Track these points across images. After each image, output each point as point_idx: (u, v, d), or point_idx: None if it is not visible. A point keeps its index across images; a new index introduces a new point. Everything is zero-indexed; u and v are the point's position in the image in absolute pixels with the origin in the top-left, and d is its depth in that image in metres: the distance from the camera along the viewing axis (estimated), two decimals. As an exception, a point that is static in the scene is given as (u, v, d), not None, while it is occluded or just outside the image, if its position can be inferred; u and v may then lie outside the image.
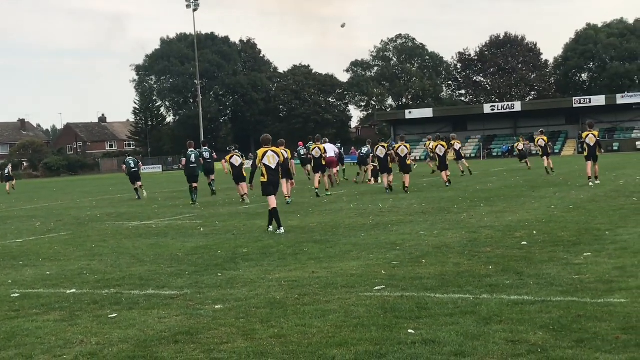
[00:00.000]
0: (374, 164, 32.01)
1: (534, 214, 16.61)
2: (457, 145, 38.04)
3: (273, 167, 16.03)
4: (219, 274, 10.73)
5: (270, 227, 16.17)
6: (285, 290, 9.29)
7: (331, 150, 32.42)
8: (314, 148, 28.43)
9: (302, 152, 38.70)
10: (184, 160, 27.88)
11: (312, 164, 29.48)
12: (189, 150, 27.90)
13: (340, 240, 13.87)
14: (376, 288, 9.08)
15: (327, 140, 35.49)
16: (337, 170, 35.15)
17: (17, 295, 9.98)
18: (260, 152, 16.16)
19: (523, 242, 12.14)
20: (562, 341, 6.45)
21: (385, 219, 17.27)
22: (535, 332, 6.76)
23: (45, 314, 8.73)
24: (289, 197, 23.99)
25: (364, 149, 35.48)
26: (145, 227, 18.76)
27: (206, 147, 30.36)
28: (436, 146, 31.24)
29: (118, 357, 6.68)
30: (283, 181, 21.68)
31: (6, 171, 51.76)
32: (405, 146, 27.98)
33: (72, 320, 8.28)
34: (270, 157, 16.05)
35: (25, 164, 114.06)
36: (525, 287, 8.69)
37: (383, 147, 28.78)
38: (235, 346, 6.84)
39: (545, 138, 35.72)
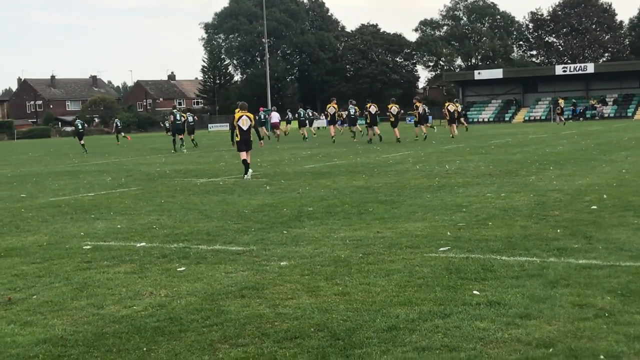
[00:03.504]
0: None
1: (604, 177, 16.29)
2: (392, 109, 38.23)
3: (245, 128, 19.79)
4: (284, 232, 10.84)
5: (246, 175, 19.70)
6: (350, 249, 9.33)
7: (276, 117, 47.66)
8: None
9: (262, 115, 52.56)
10: (171, 117, 39.31)
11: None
12: (174, 110, 40.56)
13: (405, 200, 13.84)
14: (441, 249, 9.05)
15: (276, 108, 51.63)
16: (279, 131, 47.90)
17: (89, 247, 10.26)
18: (236, 115, 19.87)
19: (593, 206, 11.93)
20: (630, 306, 6.35)
21: (452, 180, 17.14)
22: (603, 296, 6.67)
23: (116, 266, 8.96)
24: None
25: (351, 110, 41.53)
26: (212, 184, 19.02)
27: (176, 110, 40.48)
28: (391, 107, 37.61)
29: (186, 310, 6.84)
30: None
31: (190, 119, 49.82)
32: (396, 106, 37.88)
33: (141, 273, 8.48)
34: (245, 121, 19.80)
35: (96, 119, 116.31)
36: (593, 251, 8.56)
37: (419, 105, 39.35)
38: (300, 302, 6.93)
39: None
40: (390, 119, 37.57)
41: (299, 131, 47.59)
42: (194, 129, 42.31)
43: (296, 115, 49.08)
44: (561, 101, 60.33)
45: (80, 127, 44.57)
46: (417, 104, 39.23)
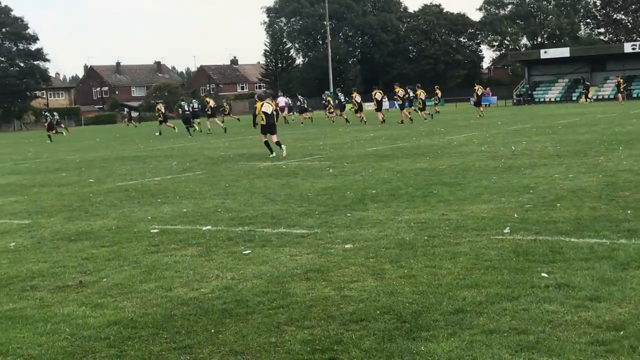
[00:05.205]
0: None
1: (676, 157, 15.85)
2: (423, 95, 43.59)
3: (269, 112, 22.21)
4: (348, 214, 10.83)
5: (272, 154, 21.99)
6: (415, 231, 9.28)
7: (282, 101, 52.32)
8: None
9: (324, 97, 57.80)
10: (180, 110, 45.64)
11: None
12: (182, 102, 47.21)
13: (470, 182, 13.69)
14: (505, 230, 8.93)
15: (282, 93, 59.13)
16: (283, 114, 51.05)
17: (156, 231, 10.42)
18: (259, 104, 22.54)
19: (664, 187, 11.62)
20: None
21: (518, 161, 16.90)
22: (677, 279, 6.50)
23: (182, 249, 9.08)
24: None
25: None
26: (275, 167, 19.12)
27: (184, 102, 46.20)
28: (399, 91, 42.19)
29: (252, 292, 6.89)
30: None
31: (195, 106, 49.04)
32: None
33: (208, 256, 8.58)
34: (267, 107, 22.33)
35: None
36: (666, 233, 8.34)
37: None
38: (365, 285, 6.92)
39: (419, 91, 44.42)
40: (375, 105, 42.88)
41: (299, 118, 52.80)
42: (197, 115, 47.05)
43: (297, 103, 54.46)
44: (621, 80, 60.75)
45: (57, 117, 53.89)
46: (397, 88, 43.02)
